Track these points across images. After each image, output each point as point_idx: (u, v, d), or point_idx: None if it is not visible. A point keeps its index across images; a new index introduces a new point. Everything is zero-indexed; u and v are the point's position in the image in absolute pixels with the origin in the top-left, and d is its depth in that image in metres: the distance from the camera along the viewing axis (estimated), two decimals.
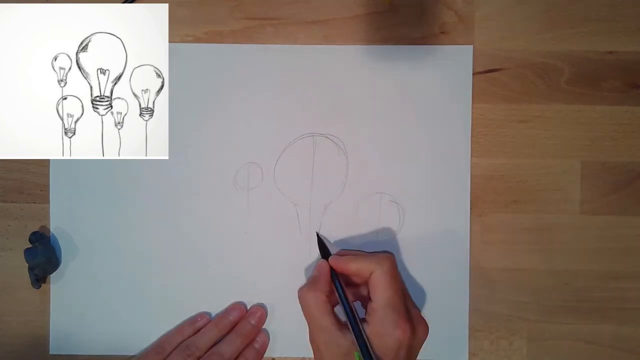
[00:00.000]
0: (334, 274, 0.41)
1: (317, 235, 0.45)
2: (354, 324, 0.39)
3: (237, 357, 0.44)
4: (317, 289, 0.40)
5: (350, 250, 0.44)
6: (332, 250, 0.44)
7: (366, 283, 0.40)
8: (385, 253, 0.42)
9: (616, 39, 0.45)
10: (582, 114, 0.45)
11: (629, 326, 0.46)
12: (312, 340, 0.40)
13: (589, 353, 0.46)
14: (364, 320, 0.40)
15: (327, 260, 0.42)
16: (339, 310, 0.41)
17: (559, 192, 0.45)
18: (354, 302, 0.41)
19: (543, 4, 0.45)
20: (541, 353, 0.46)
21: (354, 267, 0.41)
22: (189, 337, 0.44)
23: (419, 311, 0.41)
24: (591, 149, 0.45)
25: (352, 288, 0.42)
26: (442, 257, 0.45)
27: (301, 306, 0.41)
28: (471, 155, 0.45)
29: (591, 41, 0.45)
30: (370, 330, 0.38)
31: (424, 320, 0.40)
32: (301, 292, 0.41)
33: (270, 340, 0.46)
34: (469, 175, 0.45)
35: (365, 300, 0.41)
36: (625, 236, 0.45)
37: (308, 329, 0.40)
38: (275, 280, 0.46)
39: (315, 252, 0.45)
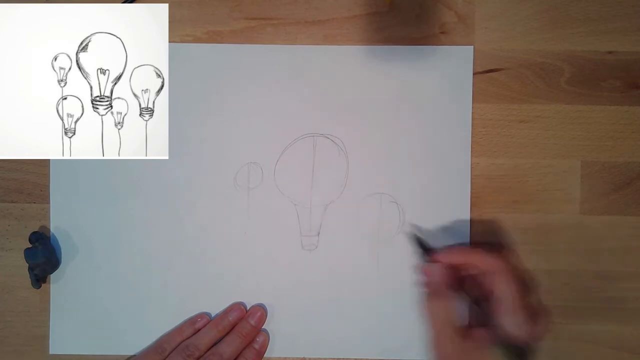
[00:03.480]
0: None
1: (414, 235, 0.44)
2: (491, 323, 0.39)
3: (236, 357, 0.44)
4: (442, 298, 0.41)
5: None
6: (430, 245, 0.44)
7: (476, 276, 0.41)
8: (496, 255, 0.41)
9: (616, 39, 0.45)
10: (582, 114, 0.45)
11: (629, 326, 0.46)
12: (438, 347, 0.40)
13: (589, 353, 0.46)
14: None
15: (431, 259, 0.43)
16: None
17: (559, 192, 0.45)
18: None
19: (543, 4, 0.45)
20: (541, 353, 0.46)
21: (468, 259, 0.41)
22: (189, 337, 0.44)
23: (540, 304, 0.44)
24: (591, 149, 0.45)
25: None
26: None
27: (429, 315, 0.41)
28: (471, 155, 0.45)
29: (591, 41, 0.45)
30: (507, 329, 0.39)
31: (544, 313, 0.42)
32: (429, 303, 0.41)
33: (270, 340, 0.45)
34: (469, 175, 0.45)
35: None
36: (625, 236, 0.45)
37: (432, 335, 0.40)
38: (275, 280, 0.46)
39: (316, 251, 0.45)
